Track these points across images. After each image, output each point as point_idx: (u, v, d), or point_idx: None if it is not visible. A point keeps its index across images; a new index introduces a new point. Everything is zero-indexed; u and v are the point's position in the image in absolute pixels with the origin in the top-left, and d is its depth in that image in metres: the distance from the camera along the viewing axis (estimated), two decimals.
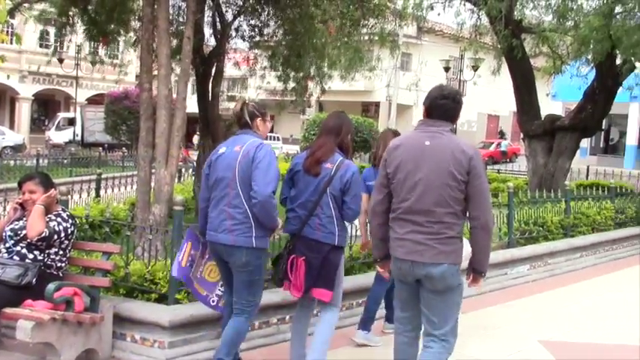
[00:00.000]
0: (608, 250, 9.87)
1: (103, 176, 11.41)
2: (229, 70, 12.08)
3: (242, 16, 10.01)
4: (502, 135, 41.19)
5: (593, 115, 14.03)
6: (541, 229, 8.98)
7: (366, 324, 5.22)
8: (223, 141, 4.41)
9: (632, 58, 12.01)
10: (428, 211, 3.54)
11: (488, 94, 37.26)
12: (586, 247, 9.34)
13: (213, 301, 4.43)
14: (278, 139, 37.07)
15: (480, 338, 5.54)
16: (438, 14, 16.84)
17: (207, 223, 4.12)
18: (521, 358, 5.24)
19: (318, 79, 11.79)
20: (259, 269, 4.09)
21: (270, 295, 5.28)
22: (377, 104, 39.02)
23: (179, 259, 4.28)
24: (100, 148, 20.41)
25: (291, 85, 11.00)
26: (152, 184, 6.42)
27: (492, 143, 36.76)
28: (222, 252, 4.08)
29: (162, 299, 4.92)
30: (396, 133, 5.06)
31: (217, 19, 9.62)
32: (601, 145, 34.87)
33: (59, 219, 4.63)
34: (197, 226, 4.37)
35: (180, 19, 9.46)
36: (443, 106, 3.68)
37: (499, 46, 14.35)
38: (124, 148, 22.70)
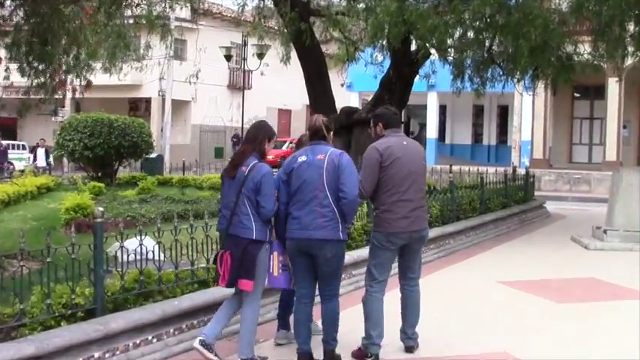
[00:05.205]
0: None
1: None
2: None
3: None
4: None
5: (391, 106, 15.04)
6: None
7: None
8: None
9: (427, 45, 13.05)
10: (421, 189, 5.91)
11: (279, 87, 38.07)
12: None
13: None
14: (24, 147, 34.46)
15: None
16: None
17: (291, 223, 5.43)
18: None
19: (75, 71, 11.30)
20: (343, 257, 5.71)
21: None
22: (148, 100, 37.97)
23: (270, 271, 5.57)
24: None
25: (39, 80, 10.41)
26: None
27: (285, 142, 35.05)
28: (314, 246, 5.39)
29: None
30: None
31: None
32: None
33: None
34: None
35: None
36: (398, 120, 6.24)
37: (286, 30, 14.85)
38: None
